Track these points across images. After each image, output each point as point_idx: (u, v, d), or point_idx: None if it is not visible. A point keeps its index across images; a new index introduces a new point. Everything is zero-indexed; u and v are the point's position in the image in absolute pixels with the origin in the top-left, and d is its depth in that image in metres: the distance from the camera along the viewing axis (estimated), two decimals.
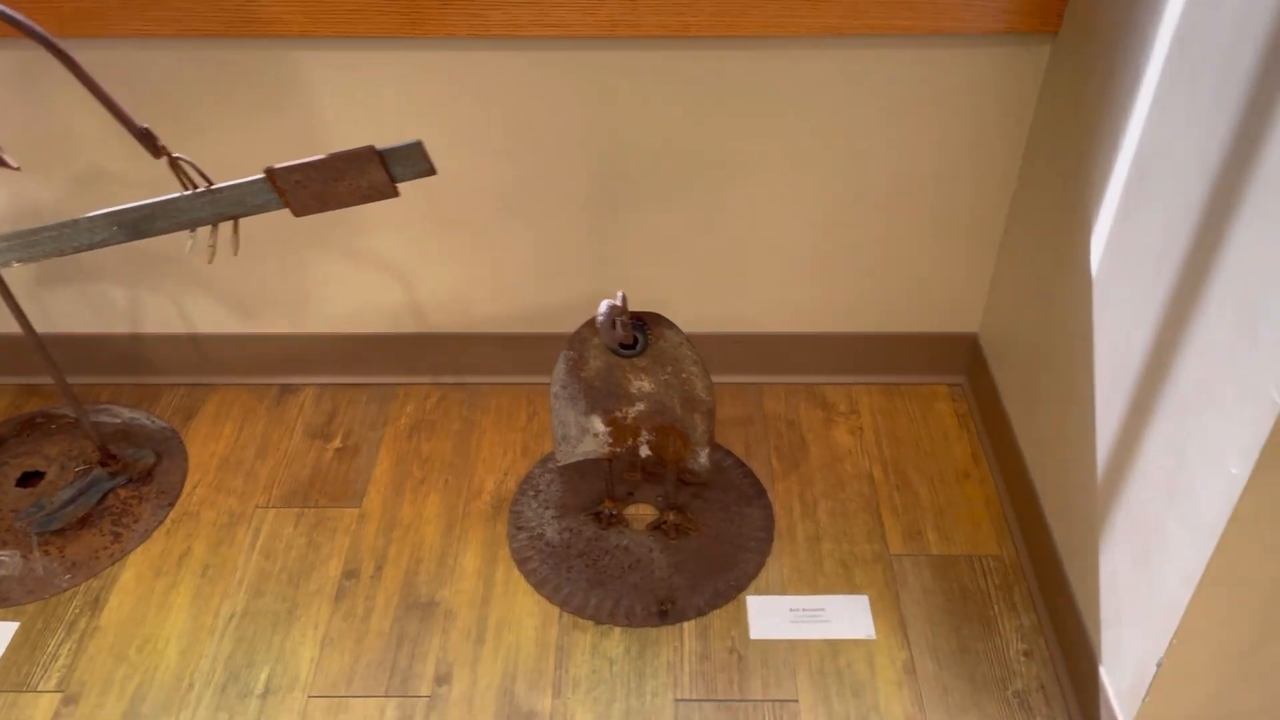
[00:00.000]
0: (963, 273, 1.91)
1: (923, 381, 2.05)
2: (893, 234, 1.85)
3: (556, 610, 1.65)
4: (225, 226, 1.54)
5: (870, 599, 1.66)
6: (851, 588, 1.68)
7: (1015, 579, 1.68)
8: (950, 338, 2.00)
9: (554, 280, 1.92)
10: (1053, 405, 1.62)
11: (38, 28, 1.26)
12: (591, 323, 1.48)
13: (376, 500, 1.83)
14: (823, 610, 1.64)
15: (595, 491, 1.81)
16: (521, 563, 1.72)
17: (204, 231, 1.49)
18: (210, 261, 1.50)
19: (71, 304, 1.96)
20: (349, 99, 1.68)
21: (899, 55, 1.62)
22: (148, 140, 1.40)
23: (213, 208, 1.47)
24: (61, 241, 1.50)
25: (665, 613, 1.64)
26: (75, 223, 1.48)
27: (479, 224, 1.84)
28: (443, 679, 1.55)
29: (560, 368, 1.58)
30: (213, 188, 1.45)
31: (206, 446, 1.93)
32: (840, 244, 1.86)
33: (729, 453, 1.90)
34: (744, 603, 1.66)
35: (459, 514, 1.80)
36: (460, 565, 1.72)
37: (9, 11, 1.25)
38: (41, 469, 1.83)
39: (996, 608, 1.64)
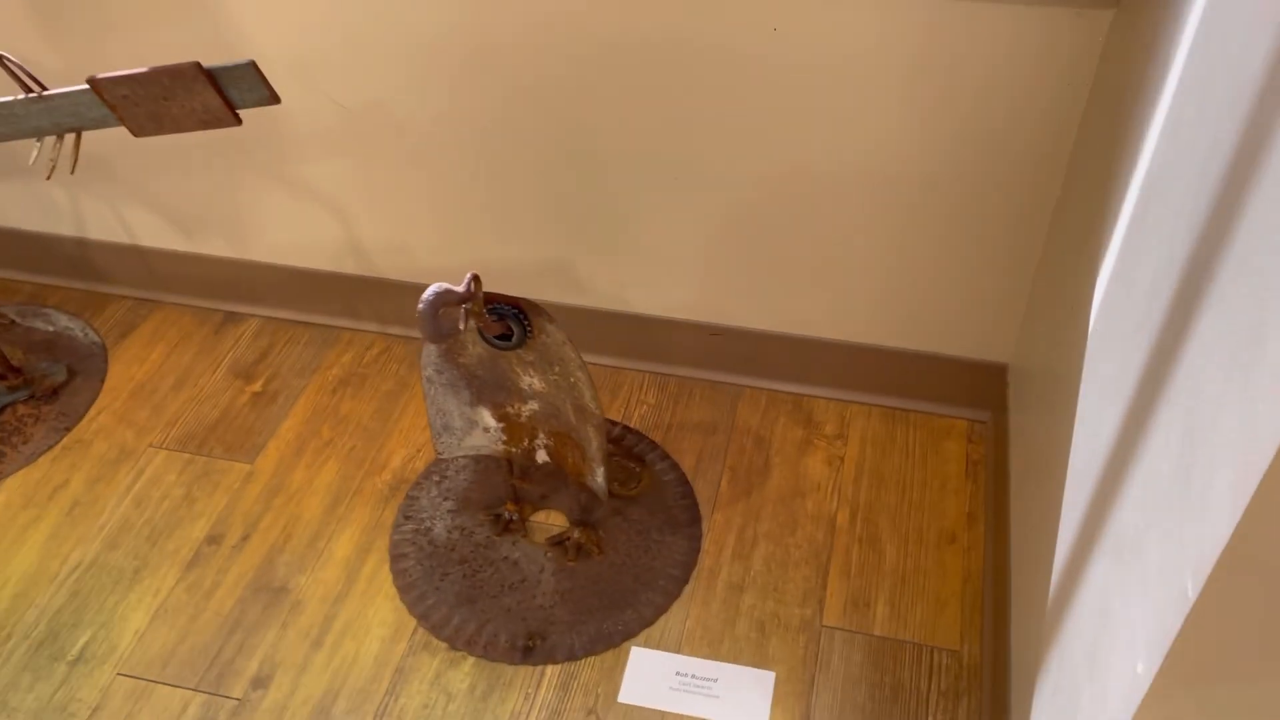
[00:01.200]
0: (997, 289, 1.53)
1: (936, 412, 1.69)
2: (918, 230, 1.48)
3: (413, 623, 1.43)
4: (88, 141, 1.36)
5: (778, 677, 1.36)
6: (760, 659, 1.38)
7: (968, 686, 1.34)
8: (975, 365, 1.63)
9: (506, 237, 1.65)
10: (1039, 481, 1.25)
11: None
12: (469, 295, 1.21)
13: (272, 458, 1.64)
14: (715, 681, 1.35)
15: (506, 489, 1.56)
16: (395, 559, 1.50)
17: (49, 144, 1.31)
18: (49, 177, 1.32)
19: (16, 198, 1.85)
20: (263, 5, 1.45)
21: (929, 9, 1.25)
22: None
23: (50, 117, 1.29)
24: None
25: (530, 649, 1.39)
26: None
27: (425, 164, 1.59)
28: (261, 682, 1.37)
29: (430, 348, 1.33)
30: (44, 94, 1.26)
31: (128, 369, 1.79)
32: (852, 236, 1.51)
33: (674, 465, 1.61)
34: (626, 653, 1.39)
35: (351, 489, 1.59)
36: (330, 550, 1.51)
37: None
38: None
39: (931, 719, 1.31)
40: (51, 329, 1.85)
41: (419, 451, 1.65)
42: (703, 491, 1.58)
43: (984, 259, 1.50)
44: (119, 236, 1.85)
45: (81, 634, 1.42)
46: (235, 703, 1.35)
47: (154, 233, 1.82)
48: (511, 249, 1.67)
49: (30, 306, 1.91)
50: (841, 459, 1.62)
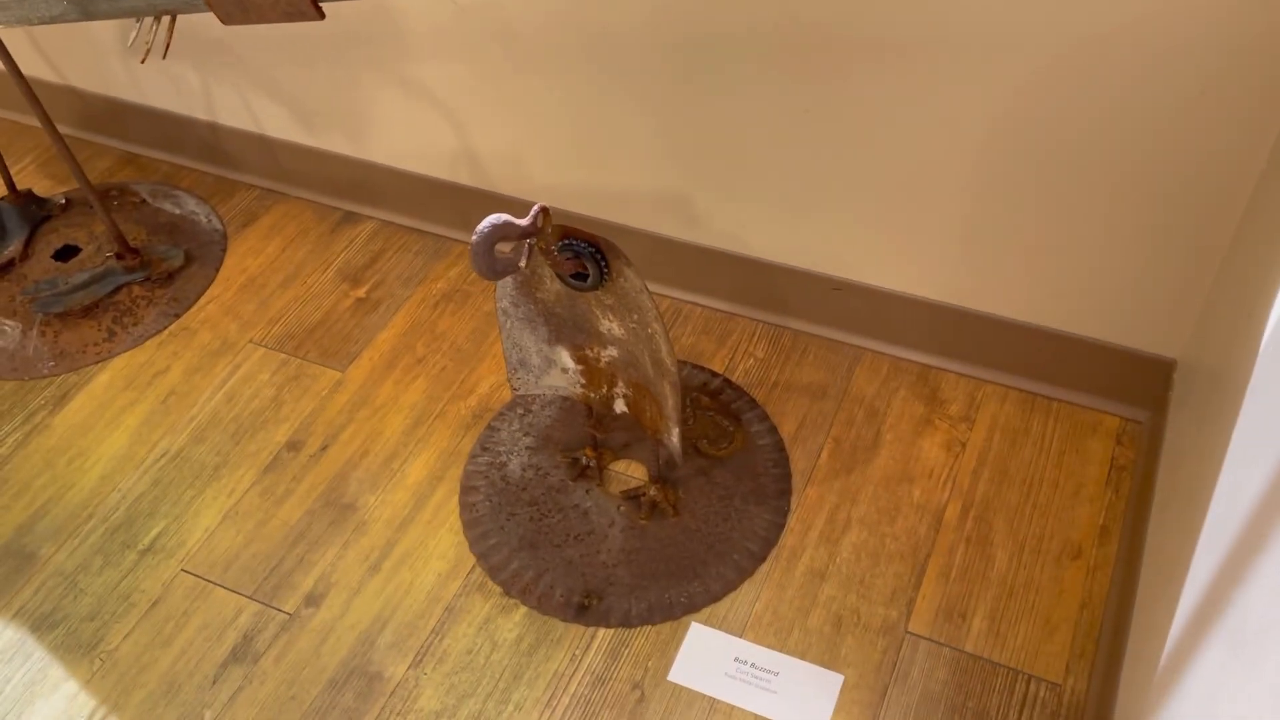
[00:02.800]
0: (1177, 272, 1.30)
1: (1084, 404, 1.48)
2: (1092, 197, 1.27)
3: (472, 561, 1.36)
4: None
5: (846, 681, 1.22)
6: (831, 659, 1.25)
7: None
8: (1139, 357, 1.40)
9: (621, 163, 1.53)
10: (1183, 509, 1.06)
11: None
12: (534, 229, 1.10)
13: (364, 369, 1.60)
14: (776, 675, 1.23)
15: (586, 434, 1.46)
16: (466, 491, 1.44)
17: (147, 25, 1.26)
18: (143, 61, 1.28)
19: (155, 78, 1.84)
20: None
21: None
22: None
23: None
24: (25, 9, 1.34)
25: (585, 607, 1.30)
26: None
27: (542, 78, 1.47)
28: (314, 599, 1.34)
29: (507, 280, 1.23)
30: None
31: (243, 261, 1.78)
32: (1013, 196, 1.31)
33: (773, 428, 1.47)
34: (685, 629, 1.28)
35: (435, 411, 1.53)
36: (403, 472, 1.46)
37: None
38: (81, 245, 1.77)
39: None
40: (178, 212, 1.86)
41: (507, 381, 1.57)
42: (799, 462, 1.44)
43: (1166, 236, 1.27)
44: (247, 125, 1.82)
45: (156, 524, 1.43)
46: (286, 617, 1.32)
47: (279, 124, 1.79)
48: (626, 175, 1.54)
49: (163, 186, 1.92)
50: (963, 445, 1.44)
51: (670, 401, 1.22)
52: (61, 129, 1.97)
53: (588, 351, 1.28)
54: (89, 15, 1.30)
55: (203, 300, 1.72)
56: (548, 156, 1.59)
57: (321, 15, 1.14)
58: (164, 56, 1.29)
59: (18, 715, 1.26)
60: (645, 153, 1.50)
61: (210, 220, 1.85)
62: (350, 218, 1.85)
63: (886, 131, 1.32)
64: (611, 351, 1.26)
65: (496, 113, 1.57)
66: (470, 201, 1.72)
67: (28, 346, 1.64)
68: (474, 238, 0.99)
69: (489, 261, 1.00)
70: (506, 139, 1.60)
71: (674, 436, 1.26)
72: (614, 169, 1.55)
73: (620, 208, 1.59)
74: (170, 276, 1.74)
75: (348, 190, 1.83)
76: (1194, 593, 0.84)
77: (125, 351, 1.65)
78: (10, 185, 1.76)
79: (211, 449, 1.51)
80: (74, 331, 1.66)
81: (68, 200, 1.85)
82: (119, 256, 1.70)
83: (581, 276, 1.15)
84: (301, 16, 1.15)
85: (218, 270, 1.77)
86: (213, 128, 1.87)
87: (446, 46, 1.51)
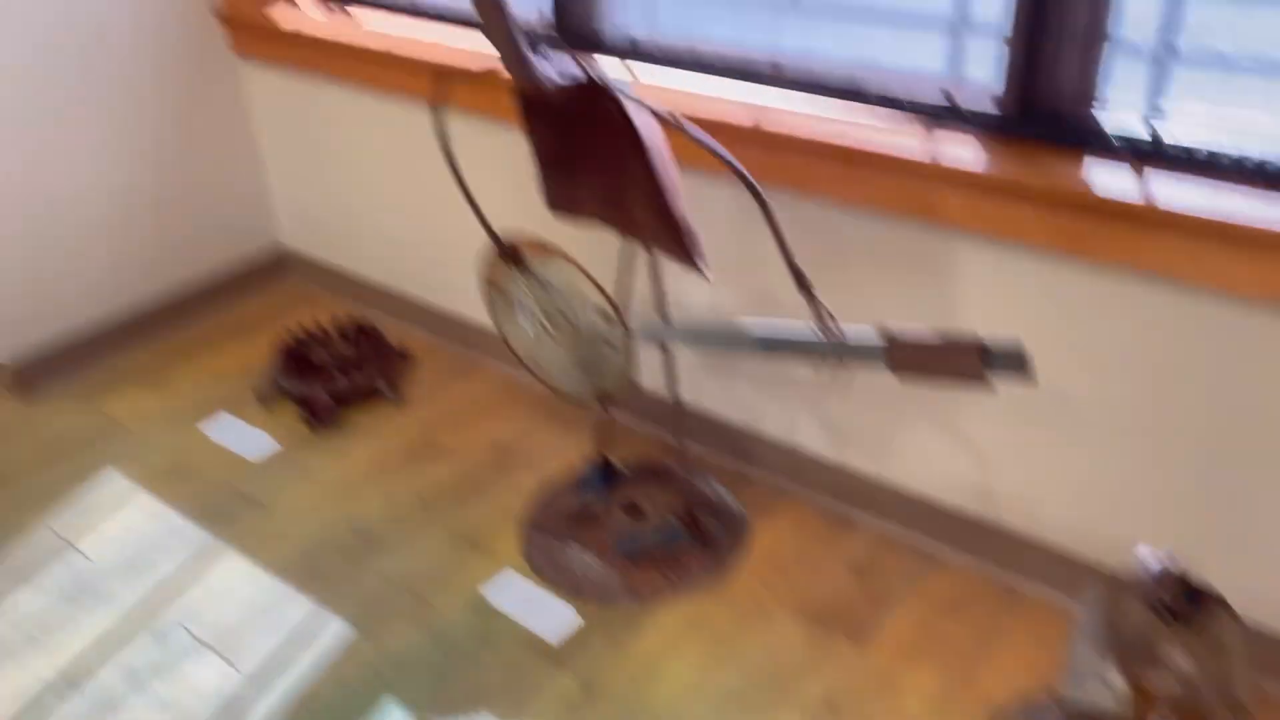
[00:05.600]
0: None
1: None
2: None
3: None
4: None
5: None
6: None
7: None
8: None
9: (1131, 513, 1.82)
10: None
11: (744, 172, 1.61)
12: (1156, 577, 1.40)
13: (879, 651, 1.90)
14: None
15: None
16: None
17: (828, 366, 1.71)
18: (829, 395, 1.72)
19: (716, 388, 2.34)
20: (987, 293, 1.81)
21: None
22: (799, 278, 1.67)
23: (834, 351, 1.70)
24: (719, 342, 1.84)
25: None
26: (727, 329, 1.81)
27: (1070, 432, 1.83)
28: None
29: (1097, 606, 1.52)
30: (841, 340, 1.66)
31: (762, 541, 2.17)
32: None
33: None
34: None
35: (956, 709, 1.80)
36: None
37: (727, 157, 1.62)
38: (644, 507, 2.23)
39: None
40: (708, 492, 2.30)
41: (1026, 674, 1.82)
42: None
43: None
44: (782, 434, 2.27)
45: None
46: None
47: (812, 438, 2.22)
48: (1135, 525, 1.82)
49: (697, 469, 2.38)
50: None
51: None
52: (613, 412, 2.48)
53: (1141, 677, 1.53)
54: (773, 356, 1.78)
55: (734, 566, 2.11)
56: (1064, 499, 1.91)
57: (990, 387, 1.54)
58: (845, 392, 1.72)
59: None
60: (1163, 509, 1.78)
61: (737, 506, 2.27)
62: (850, 524, 2.22)
63: None
64: (1171, 684, 1.50)
65: (1021, 452, 1.92)
66: (971, 531, 2.05)
67: (606, 579, 2.07)
68: (1144, 571, 1.30)
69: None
70: (1021, 478, 1.94)
71: None
72: (1127, 518, 1.84)
73: (1122, 551, 1.87)
74: (709, 544, 2.14)
75: (853, 498, 2.22)
76: None
77: (680, 597, 2.04)
78: (603, 456, 2.26)
79: (756, 690, 1.83)
80: (639, 573, 2.07)
81: (631, 470, 2.33)
82: (684, 522, 2.14)
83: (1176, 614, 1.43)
84: (970, 385, 1.56)
85: (744, 547, 2.16)
86: (752, 434, 2.33)
87: (996, 397, 1.90)
